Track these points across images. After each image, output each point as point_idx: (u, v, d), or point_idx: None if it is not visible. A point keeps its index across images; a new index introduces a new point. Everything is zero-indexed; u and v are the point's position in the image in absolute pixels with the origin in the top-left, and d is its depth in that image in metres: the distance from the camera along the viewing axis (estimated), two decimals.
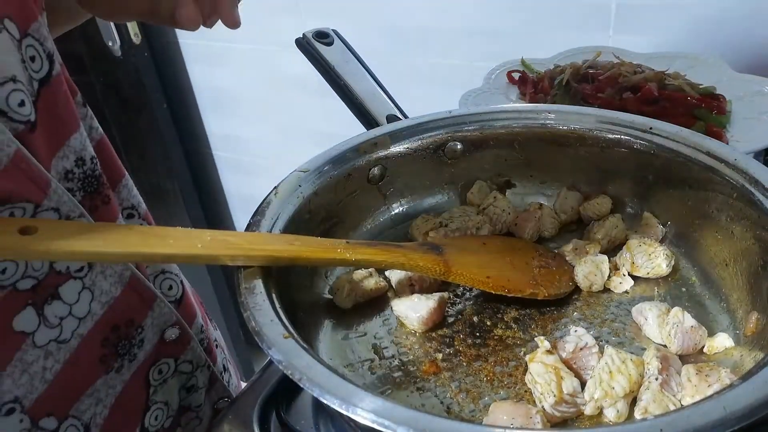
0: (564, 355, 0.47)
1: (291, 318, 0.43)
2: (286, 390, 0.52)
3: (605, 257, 0.56)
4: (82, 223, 0.44)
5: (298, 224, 0.53)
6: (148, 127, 1.67)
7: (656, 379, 0.43)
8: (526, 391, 0.46)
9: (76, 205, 0.44)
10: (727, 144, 0.66)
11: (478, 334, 0.52)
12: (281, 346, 0.39)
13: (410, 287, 0.56)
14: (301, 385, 0.36)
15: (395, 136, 0.62)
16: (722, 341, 0.48)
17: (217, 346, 0.66)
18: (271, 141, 1.62)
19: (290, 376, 0.37)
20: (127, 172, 0.57)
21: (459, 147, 0.65)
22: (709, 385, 0.42)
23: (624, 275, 0.56)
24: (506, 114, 0.65)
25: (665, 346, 0.48)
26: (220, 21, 0.55)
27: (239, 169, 1.75)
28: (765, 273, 0.48)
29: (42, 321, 0.43)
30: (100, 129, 0.53)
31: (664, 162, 0.57)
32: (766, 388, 0.34)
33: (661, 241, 0.58)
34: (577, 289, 0.56)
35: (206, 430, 0.62)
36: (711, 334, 0.49)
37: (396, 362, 0.50)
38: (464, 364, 0.49)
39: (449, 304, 0.55)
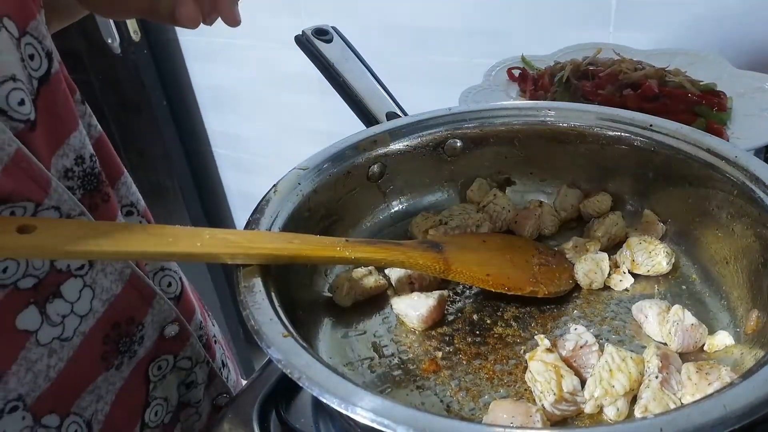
0: (564, 353, 0.47)
1: (290, 316, 0.43)
2: (286, 389, 0.52)
3: (605, 255, 0.56)
4: (80, 222, 0.44)
5: (297, 222, 0.53)
6: (147, 124, 1.67)
7: (656, 377, 0.43)
8: (526, 390, 0.46)
9: (76, 204, 0.44)
10: (728, 141, 0.66)
11: (478, 332, 0.52)
12: (280, 344, 0.39)
13: (410, 285, 0.56)
14: (301, 384, 0.36)
15: (395, 134, 0.62)
16: (722, 339, 0.48)
17: (215, 342, 0.66)
18: (271, 138, 1.62)
19: (289, 375, 0.37)
20: (125, 170, 0.57)
21: (459, 144, 0.64)
22: (709, 384, 0.42)
23: (624, 273, 0.56)
24: (506, 111, 0.64)
25: (665, 344, 0.48)
26: (220, 19, 0.55)
27: (239, 166, 1.75)
28: (765, 271, 0.48)
29: (44, 319, 0.44)
30: (99, 127, 0.53)
31: (665, 159, 0.57)
32: (766, 386, 0.34)
33: (662, 239, 0.58)
34: (577, 287, 0.56)
35: (205, 425, 0.62)
36: (711, 332, 0.49)
37: (396, 361, 0.50)
38: (464, 362, 0.49)
39: (449, 302, 0.55)
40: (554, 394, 0.43)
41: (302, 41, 0.69)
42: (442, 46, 1.22)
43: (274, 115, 1.56)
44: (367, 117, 0.67)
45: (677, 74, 0.80)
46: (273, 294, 0.44)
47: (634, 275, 0.56)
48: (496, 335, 0.51)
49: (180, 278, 0.60)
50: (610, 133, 0.60)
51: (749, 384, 0.34)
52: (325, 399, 0.35)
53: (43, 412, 0.45)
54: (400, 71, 1.26)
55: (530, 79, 0.86)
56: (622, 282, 0.55)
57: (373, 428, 0.33)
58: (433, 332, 0.52)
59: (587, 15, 1.05)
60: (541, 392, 0.44)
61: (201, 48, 1.55)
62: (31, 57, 0.43)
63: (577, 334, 0.47)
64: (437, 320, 0.53)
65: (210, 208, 1.86)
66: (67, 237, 0.39)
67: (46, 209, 0.42)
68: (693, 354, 0.48)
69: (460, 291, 0.57)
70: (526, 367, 0.46)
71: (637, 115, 0.60)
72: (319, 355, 0.43)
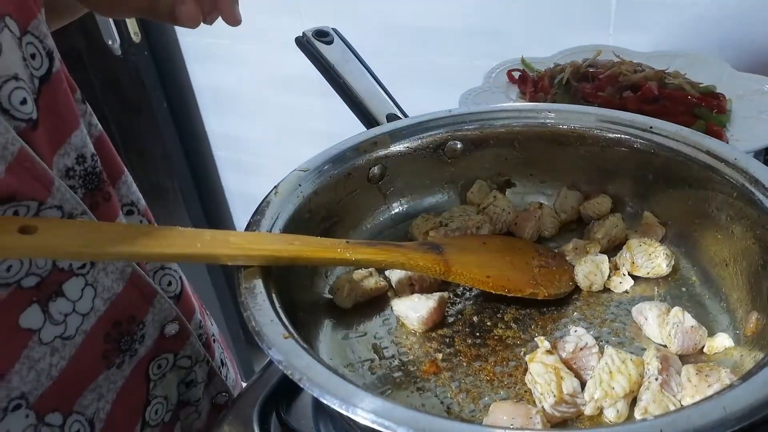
0: (564, 355, 0.47)
1: (291, 318, 0.43)
2: (286, 390, 0.52)
3: (605, 257, 0.56)
4: (81, 223, 0.44)
5: (298, 223, 0.53)
6: (148, 126, 1.67)
7: (656, 379, 0.43)
8: (526, 391, 0.46)
9: (78, 203, 0.45)
10: (727, 143, 0.66)
11: (478, 334, 0.52)
12: (281, 346, 0.39)
13: (410, 287, 0.56)
14: (301, 386, 0.36)
15: (395, 136, 0.62)
16: (722, 341, 0.48)
17: (214, 341, 0.66)
18: (271, 140, 1.62)
19: (290, 377, 0.37)
20: (126, 169, 0.57)
21: (459, 146, 0.65)
22: (709, 385, 0.42)
23: (624, 275, 0.56)
24: (506, 113, 0.65)
25: (665, 346, 0.48)
26: (220, 18, 0.55)
27: (239, 168, 1.75)
28: (765, 273, 0.48)
29: (47, 318, 0.44)
30: (99, 125, 0.53)
31: (664, 161, 0.57)
32: (766, 388, 0.34)
33: (661, 241, 0.58)
34: (577, 289, 0.56)
35: (205, 424, 0.62)
36: (711, 334, 0.49)
37: (396, 362, 0.50)
38: (464, 364, 0.49)
39: (449, 304, 0.55)
40: (554, 395, 0.43)
41: (303, 43, 0.69)
42: (442, 47, 1.22)
43: (275, 116, 1.57)
44: (367, 118, 0.67)
45: (677, 76, 0.80)
46: (274, 295, 0.44)
47: (634, 277, 0.56)
48: (496, 337, 0.52)
49: (180, 277, 0.60)
50: (610, 135, 0.60)
51: (749, 386, 0.34)
52: (326, 400, 0.35)
53: (45, 410, 0.46)
54: (401, 73, 1.27)
55: (530, 81, 0.86)
56: (622, 284, 0.55)
57: (373, 429, 0.33)
58: (434, 334, 0.52)
59: (587, 17, 1.05)
60: (541, 394, 0.44)
61: (201, 49, 1.55)
62: (33, 56, 0.43)
63: (577, 336, 0.47)
64: (437, 322, 0.53)
65: (210, 209, 1.86)
66: (68, 238, 0.39)
67: (49, 208, 0.42)
68: (693, 356, 0.48)
69: (460, 293, 0.57)
70: (526, 369, 0.46)
71: (637, 117, 0.60)
72: (320, 356, 0.43)
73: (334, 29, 0.71)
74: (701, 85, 0.78)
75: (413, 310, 0.52)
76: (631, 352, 0.46)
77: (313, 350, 0.39)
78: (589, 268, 0.55)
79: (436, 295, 0.53)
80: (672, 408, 0.42)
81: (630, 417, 0.43)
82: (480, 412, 0.45)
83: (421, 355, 0.50)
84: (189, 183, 1.78)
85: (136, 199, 0.57)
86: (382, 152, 0.62)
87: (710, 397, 0.35)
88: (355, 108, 0.68)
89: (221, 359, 0.67)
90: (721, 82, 0.79)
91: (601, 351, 0.46)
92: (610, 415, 0.43)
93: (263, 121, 1.60)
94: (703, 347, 0.48)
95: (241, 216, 1.88)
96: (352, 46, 0.71)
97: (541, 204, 0.64)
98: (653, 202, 0.61)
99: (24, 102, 0.41)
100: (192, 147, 1.74)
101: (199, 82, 1.62)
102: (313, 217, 0.56)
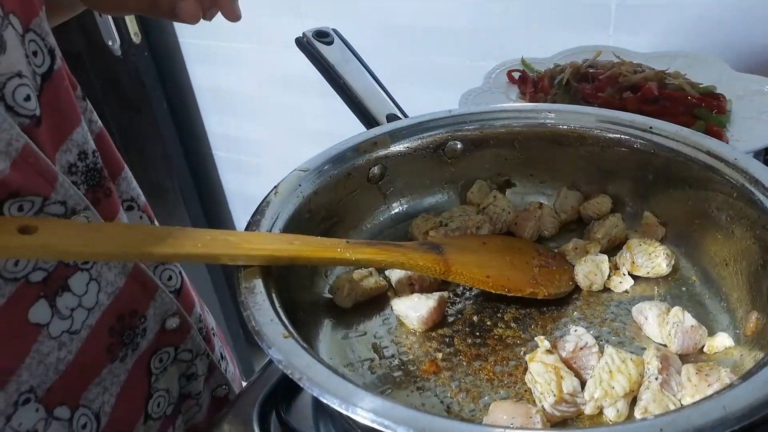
0: (564, 354, 0.47)
1: (291, 317, 0.43)
2: (286, 389, 0.52)
3: (605, 257, 0.56)
4: (81, 223, 0.44)
5: (298, 223, 0.53)
6: (148, 126, 1.67)
7: (656, 378, 0.43)
8: (526, 391, 0.46)
9: (81, 199, 0.45)
10: (727, 143, 0.66)
11: (478, 333, 0.52)
12: (281, 345, 0.39)
13: (410, 286, 0.56)
14: (301, 385, 0.36)
15: (395, 136, 0.62)
16: (722, 341, 0.48)
17: (214, 334, 0.67)
18: (271, 140, 1.62)
19: (290, 376, 0.37)
20: (126, 165, 0.57)
21: (459, 146, 0.65)
22: (709, 385, 0.42)
23: (624, 275, 0.56)
24: (506, 113, 0.65)
25: (665, 345, 0.48)
26: (220, 15, 0.55)
27: (239, 168, 1.75)
28: (765, 272, 0.48)
29: (54, 312, 0.45)
30: (100, 122, 0.54)
31: (664, 161, 0.57)
32: (766, 387, 0.34)
33: (661, 241, 0.58)
34: (577, 289, 0.56)
35: (205, 416, 0.63)
36: (711, 333, 0.49)
37: (396, 362, 0.50)
38: (464, 363, 0.49)
39: (449, 304, 0.55)
40: (554, 395, 0.43)
41: (303, 43, 0.69)
42: (442, 47, 1.22)
43: (275, 116, 1.57)
44: (367, 119, 0.67)
45: (677, 77, 0.80)
46: (274, 295, 0.44)
47: (634, 277, 0.56)
48: (496, 336, 0.52)
49: (180, 272, 0.61)
50: (610, 135, 0.61)
51: (749, 385, 0.34)
52: (326, 399, 0.35)
53: (53, 404, 0.46)
54: (401, 73, 1.27)
55: (530, 82, 0.86)
56: (622, 284, 0.55)
57: (373, 429, 0.33)
58: (434, 333, 0.52)
59: (587, 17, 1.05)
60: (541, 393, 0.44)
61: (201, 50, 1.55)
62: (35, 53, 0.43)
63: (577, 336, 0.47)
64: (437, 321, 0.53)
65: (210, 209, 1.87)
66: (68, 238, 0.39)
67: (53, 204, 0.43)
68: (693, 355, 0.48)
69: (460, 292, 0.57)
70: (526, 369, 0.46)
71: (637, 117, 0.60)
72: (320, 356, 0.43)
73: (334, 29, 0.71)
74: (701, 86, 0.78)
75: (413, 309, 0.52)
76: (631, 352, 0.46)
77: (312, 350, 0.39)
78: (589, 268, 0.55)
79: (436, 295, 0.53)
80: (672, 407, 0.42)
81: (630, 416, 0.43)
82: (480, 411, 0.45)
83: (421, 355, 0.51)
84: (189, 183, 1.78)
85: (136, 195, 0.58)
86: (382, 152, 0.62)
87: (710, 396, 0.34)
88: (355, 108, 0.68)
89: (221, 353, 0.68)
90: (721, 83, 0.79)
91: (601, 350, 0.46)
92: (610, 414, 0.43)
93: (263, 121, 1.60)
94: (703, 347, 0.48)
95: (241, 216, 1.88)
96: (351, 46, 0.71)
97: (541, 204, 0.64)
98: (653, 202, 0.61)
99: (28, 99, 0.41)
100: (192, 147, 1.75)
101: (199, 83, 1.62)
102: (313, 217, 0.56)
